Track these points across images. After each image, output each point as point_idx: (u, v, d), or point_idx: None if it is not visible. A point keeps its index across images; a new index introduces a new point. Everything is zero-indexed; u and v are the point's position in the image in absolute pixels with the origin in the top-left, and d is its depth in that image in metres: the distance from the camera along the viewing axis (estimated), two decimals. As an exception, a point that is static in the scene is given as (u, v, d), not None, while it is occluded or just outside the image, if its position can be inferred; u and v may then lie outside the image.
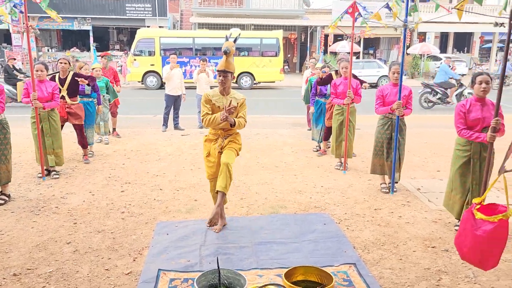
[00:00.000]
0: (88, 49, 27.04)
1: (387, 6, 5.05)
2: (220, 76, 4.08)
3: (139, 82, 19.36)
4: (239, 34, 4.35)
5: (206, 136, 4.34)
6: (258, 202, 5.14)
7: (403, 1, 4.84)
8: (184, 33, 23.10)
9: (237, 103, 4.15)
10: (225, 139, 4.20)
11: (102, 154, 7.37)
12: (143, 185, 5.75)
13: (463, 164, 4.22)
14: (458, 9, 3.68)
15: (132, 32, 24.12)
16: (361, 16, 5.94)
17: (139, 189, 5.56)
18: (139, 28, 21.13)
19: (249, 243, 4.08)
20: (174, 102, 9.55)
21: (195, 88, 9.83)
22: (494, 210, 3.10)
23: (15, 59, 14.05)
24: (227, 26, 24.94)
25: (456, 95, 13.55)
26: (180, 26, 29.36)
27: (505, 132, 4.03)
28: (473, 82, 4.15)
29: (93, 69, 7.74)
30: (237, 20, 26.16)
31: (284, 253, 3.87)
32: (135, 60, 19.18)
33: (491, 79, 4.10)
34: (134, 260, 3.72)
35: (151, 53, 19.50)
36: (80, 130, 6.73)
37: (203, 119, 4.13)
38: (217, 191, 4.09)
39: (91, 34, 26.39)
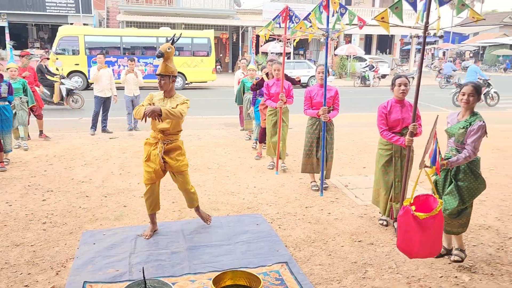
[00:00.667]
0: (4, 47, 25.03)
1: (307, 17, 5.21)
2: (158, 80, 4.01)
3: (62, 82, 18.29)
4: (175, 35, 4.20)
5: (146, 139, 4.18)
6: (191, 205, 5.06)
7: (321, 12, 5.05)
8: (111, 31, 22.18)
9: (176, 105, 4.00)
10: (165, 144, 4.04)
11: (21, 161, 6.85)
12: (67, 192, 5.43)
13: (385, 163, 4.45)
14: (379, 20, 3.87)
15: (54, 30, 22.73)
16: (292, 22, 6.06)
17: (63, 197, 5.24)
18: (61, 25, 19.97)
19: (181, 248, 4.00)
20: (103, 104, 9.14)
21: (123, 89, 9.48)
22: (426, 203, 3.37)
23: (48, 58, 12.78)
24: (156, 25, 24.39)
25: (483, 94, 14.63)
26: (107, 24, 28.21)
27: (422, 132, 4.31)
28: (393, 85, 4.40)
29: (7, 69, 7.21)
30: (167, 19, 25.65)
31: (217, 256, 3.85)
32: (57, 59, 18.07)
33: (409, 81, 4.37)
34: (57, 274, 3.50)
35: (75, 52, 18.52)
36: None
37: (135, 112, 3.96)
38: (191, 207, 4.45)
39: (7, 31, 24.46)
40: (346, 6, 4.98)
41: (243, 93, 8.46)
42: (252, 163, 6.98)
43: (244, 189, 5.67)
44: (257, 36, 27.51)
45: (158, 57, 3.97)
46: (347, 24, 4.77)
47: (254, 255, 3.88)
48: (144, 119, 3.72)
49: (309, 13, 5.16)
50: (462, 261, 3.72)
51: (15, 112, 7.35)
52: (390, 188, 4.44)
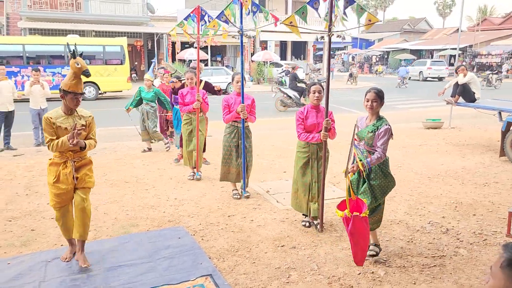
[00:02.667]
0: None
1: (220, 16, 5.20)
2: (78, 99, 3.70)
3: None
4: (74, 48, 3.87)
5: (50, 159, 3.79)
6: (107, 223, 4.79)
7: (233, 11, 5.08)
8: (12, 39, 20.47)
9: (86, 122, 3.76)
10: (75, 162, 3.74)
11: None
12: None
13: (303, 165, 4.61)
14: (287, 24, 3.99)
15: None
16: (205, 22, 6.01)
17: (-42, 226, 4.69)
18: (-49, 33, 18.04)
19: (98, 270, 3.76)
20: (4, 119, 8.37)
21: (29, 102, 8.77)
22: (355, 205, 3.61)
23: (300, 67, 12.12)
24: (64, 32, 22.96)
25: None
26: (7, 31, 26.01)
27: (336, 134, 4.54)
28: (308, 92, 4.59)
29: None
30: (76, 26, 24.26)
31: (136, 275, 3.67)
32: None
33: (323, 88, 4.56)
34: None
35: (-30, 62, 16.81)
36: None
37: (48, 146, 3.62)
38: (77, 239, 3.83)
39: None
40: (258, 4, 5.05)
41: (140, 102, 8.21)
42: (171, 173, 6.81)
43: (164, 202, 5.50)
44: (173, 44, 27.12)
45: (88, 76, 3.81)
46: (265, 21, 4.86)
47: (176, 270, 3.76)
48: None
49: (222, 12, 5.16)
50: (377, 255, 3.94)
51: None
52: (308, 189, 4.59)
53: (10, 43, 18.86)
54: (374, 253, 3.94)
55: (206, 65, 26.45)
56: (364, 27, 3.92)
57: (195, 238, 4.40)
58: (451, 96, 9.73)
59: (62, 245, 4.21)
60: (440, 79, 33.04)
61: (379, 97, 3.83)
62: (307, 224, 4.70)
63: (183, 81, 7.46)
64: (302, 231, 4.61)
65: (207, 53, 27.83)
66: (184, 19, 6.15)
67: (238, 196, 5.61)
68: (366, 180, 3.86)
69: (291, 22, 3.96)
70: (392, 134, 3.83)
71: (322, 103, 4.52)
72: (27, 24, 23.88)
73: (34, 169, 6.97)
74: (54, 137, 3.62)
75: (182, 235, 4.49)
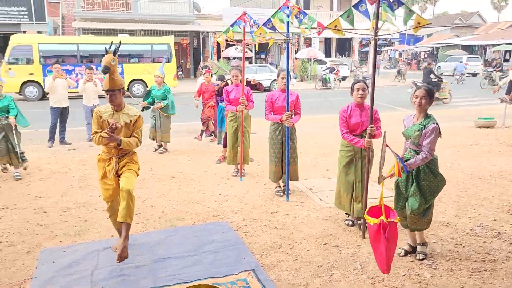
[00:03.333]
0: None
1: (266, 23, 5.23)
2: (109, 96, 3.75)
3: (16, 93, 17.58)
4: (112, 43, 3.95)
5: (99, 155, 3.95)
6: (154, 216, 4.97)
7: (282, 19, 5.08)
8: (67, 39, 21.55)
9: (130, 120, 3.82)
10: (119, 158, 3.84)
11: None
12: (24, 209, 5.20)
13: (346, 164, 4.55)
14: (331, 28, 3.96)
15: (6, 38, 21.80)
16: (250, 26, 6.07)
17: (19, 214, 5.02)
18: (13, 34, 19.20)
19: (146, 261, 3.92)
20: (60, 115, 8.84)
21: (82, 98, 9.22)
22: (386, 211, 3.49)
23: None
24: (114, 32, 23.85)
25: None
26: (62, 31, 27.37)
27: (382, 133, 4.42)
28: (352, 89, 4.50)
29: None
30: (126, 26, 25.16)
31: (183, 267, 3.78)
32: (10, 69, 17.40)
33: (367, 86, 4.48)
34: (14, 296, 3.34)
35: (29, 61, 17.84)
36: None
37: (92, 138, 3.79)
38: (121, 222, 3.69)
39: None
40: (305, 12, 5.04)
41: (153, 102, 8.19)
42: (216, 170, 6.93)
43: (209, 197, 5.62)
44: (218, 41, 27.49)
45: (105, 72, 3.71)
46: (306, 29, 4.84)
47: (221, 264, 3.84)
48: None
49: (269, 19, 5.18)
50: (425, 256, 3.85)
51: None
52: (352, 189, 4.53)
53: (65, 42, 19.85)
54: (423, 256, 3.87)
55: (250, 62, 26.61)
56: (413, 30, 3.80)
57: (239, 234, 4.47)
58: (506, 94, 9.26)
59: (112, 235, 4.41)
60: (475, 75, 31.52)
61: (428, 94, 3.72)
62: (350, 223, 4.66)
63: (226, 81, 7.56)
64: (345, 229, 4.57)
65: (251, 51, 28.02)
66: (230, 25, 6.21)
67: (281, 193, 5.63)
68: (415, 180, 3.77)
69: (335, 26, 3.93)
70: (440, 133, 3.71)
71: (367, 101, 4.43)
72: (81, 24, 25.02)
73: (87, 163, 7.33)
74: (99, 131, 3.75)
75: (226, 230, 4.58)
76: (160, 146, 8.23)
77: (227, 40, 6.48)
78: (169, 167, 7.09)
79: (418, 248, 3.93)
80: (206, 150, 8.42)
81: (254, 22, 6.01)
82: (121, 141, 3.69)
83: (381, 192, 3.58)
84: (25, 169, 6.64)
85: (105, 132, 3.61)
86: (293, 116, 5.47)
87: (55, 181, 6.33)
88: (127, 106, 3.88)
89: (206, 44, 28.94)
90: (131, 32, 24.32)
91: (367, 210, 3.62)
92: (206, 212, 5.11)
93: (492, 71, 23.80)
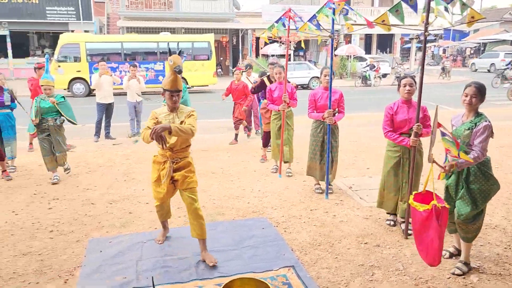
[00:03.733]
0: (6, 56, 25.15)
1: (311, 19, 5.20)
2: (173, 96, 3.68)
3: (65, 89, 18.38)
4: (181, 50, 4.00)
5: (155, 156, 3.90)
6: (196, 210, 5.07)
7: (327, 15, 5.03)
8: (112, 38, 22.27)
9: (184, 118, 3.74)
10: (174, 163, 3.76)
11: (26, 169, 6.89)
12: (73, 200, 5.45)
13: (394, 164, 4.43)
14: (378, 23, 3.88)
15: (55, 37, 22.80)
16: (295, 23, 6.06)
17: (69, 205, 5.26)
18: (62, 33, 20.05)
19: (188, 253, 4.01)
20: (105, 111, 9.18)
21: (126, 95, 9.52)
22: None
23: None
24: (156, 30, 24.43)
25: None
26: (107, 30, 28.29)
27: (430, 132, 4.29)
28: (398, 85, 4.40)
29: (42, 85, 6.16)
30: (167, 24, 25.72)
31: (224, 261, 3.85)
32: (59, 66, 18.19)
33: (415, 82, 4.36)
34: (65, 282, 3.51)
35: (76, 59, 18.59)
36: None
37: (141, 133, 3.79)
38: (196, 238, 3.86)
39: (8, 39, 24.56)
40: (351, 8, 4.96)
41: None
42: (255, 166, 6.99)
43: (249, 193, 5.68)
44: (257, 39, 27.58)
45: (179, 73, 3.70)
46: (353, 25, 4.77)
47: (261, 259, 3.88)
48: (153, 139, 3.44)
49: (314, 15, 5.15)
50: (463, 275, 3.56)
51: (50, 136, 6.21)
52: (398, 190, 4.42)
53: (110, 41, 20.53)
54: (461, 272, 3.57)
55: (288, 60, 26.51)
56: (467, 25, 3.64)
57: (278, 230, 4.49)
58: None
59: (156, 228, 4.55)
60: None
61: (480, 92, 3.51)
62: (392, 223, 4.57)
63: (262, 78, 7.52)
64: (387, 229, 4.49)
65: (290, 48, 27.92)
66: (275, 22, 6.21)
67: (320, 191, 5.61)
68: (465, 184, 3.55)
69: (383, 21, 3.84)
70: (492, 132, 3.52)
71: (414, 98, 4.32)
72: (125, 23, 25.79)
73: (131, 157, 7.57)
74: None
75: (266, 226, 4.62)
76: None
77: (270, 37, 6.48)
78: (209, 162, 7.21)
79: (458, 264, 3.65)
80: (245, 147, 8.50)
81: (300, 19, 5.98)
82: (172, 128, 3.44)
83: (430, 173, 3.37)
84: (65, 170, 6.50)
85: (151, 133, 3.41)
86: (335, 114, 5.42)
87: (101, 174, 6.59)
88: (181, 106, 3.83)
89: (245, 42, 29.09)
90: (172, 30, 24.82)
91: (412, 196, 3.50)
92: (246, 207, 5.17)
93: (506, 68, 22.12)
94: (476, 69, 28.15)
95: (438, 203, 3.25)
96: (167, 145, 3.64)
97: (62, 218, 4.86)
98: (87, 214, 4.97)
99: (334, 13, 4.87)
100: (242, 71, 9.08)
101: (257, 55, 27.37)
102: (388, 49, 35.20)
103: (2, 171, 6.40)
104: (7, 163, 6.60)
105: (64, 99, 6.41)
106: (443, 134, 3.44)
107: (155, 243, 4.21)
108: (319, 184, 5.73)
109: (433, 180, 3.39)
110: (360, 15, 4.79)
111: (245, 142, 8.86)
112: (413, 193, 3.58)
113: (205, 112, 13.62)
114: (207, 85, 20.94)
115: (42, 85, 6.16)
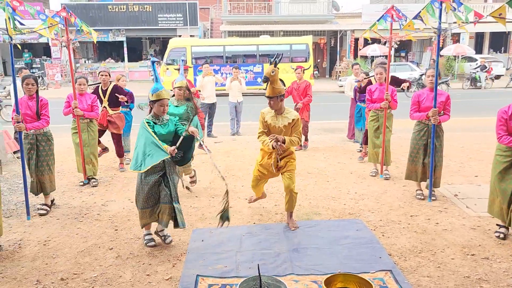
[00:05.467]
0: (122, 60, 27.85)
1: (416, 17, 5.01)
2: (270, 101, 4.34)
3: (171, 90, 19.76)
4: (279, 58, 4.36)
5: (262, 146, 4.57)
6: (292, 208, 5.18)
7: (432, 10, 4.80)
8: (215, 42, 23.48)
9: (288, 123, 4.39)
10: (279, 155, 4.45)
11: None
12: (179, 192, 5.86)
13: (503, 170, 4.13)
14: (495, 16, 3.62)
15: (164, 42, 24.68)
16: (398, 21, 5.88)
17: (175, 196, 5.69)
18: (170, 38, 21.62)
19: (284, 249, 4.12)
20: (208, 110, 9.74)
21: (227, 96, 10.00)
22: None
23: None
24: (256, 33, 25.15)
25: None
26: (211, 34, 29.82)
27: None
28: None
29: (176, 88, 5.80)
30: (266, 27, 26.33)
31: (318, 259, 3.90)
32: (167, 69, 19.65)
33: None
34: (173, 266, 3.84)
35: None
36: (117, 140, 6.98)
37: (258, 136, 4.48)
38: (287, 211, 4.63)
39: (125, 45, 27.20)
40: (461, 2, 4.68)
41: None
42: (352, 168, 6.90)
43: (345, 195, 5.64)
44: (356, 40, 26.98)
45: (265, 82, 4.27)
46: (463, 23, 4.51)
47: (355, 260, 3.86)
48: (273, 148, 4.28)
49: (419, 12, 4.97)
50: None
51: None
52: (508, 197, 4.10)
53: (213, 44, 21.66)
54: None
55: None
56: None
57: (375, 234, 4.41)
58: None
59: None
60: None
61: None
62: (502, 235, 4.22)
63: (369, 78, 7.43)
64: (496, 242, 4.16)
65: (392, 47, 26.83)
66: (377, 20, 6.09)
67: (422, 197, 5.36)
68: None
69: (500, 14, 3.56)
70: None
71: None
72: (227, 27, 26.97)
73: (231, 155, 7.94)
74: (266, 130, 4.45)
75: (361, 228, 4.56)
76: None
77: (372, 37, 6.37)
78: (306, 162, 7.28)
79: None
80: (342, 148, 8.41)
81: (404, 16, 5.78)
82: (285, 140, 4.27)
83: None
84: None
85: (274, 144, 4.24)
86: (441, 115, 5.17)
87: (204, 170, 7.01)
88: (286, 110, 4.43)
89: (343, 43, 28.63)
90: (271, 33, 25.34)
91: None
92: (341, 209, 5.15)
93: None
94: None
95: None
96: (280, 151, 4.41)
97: (170, 207, 5.28)
98: (192, 206, 5.34)
99: (441, 10, 4.64)
100: (304, 69, 8.34)
101: (355, 56, 26.77)
102: (502, 48, 32.04)
103: (119, 164, 7.14)
104: (129, 158, 7.34)
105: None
106: None
107: (252, 236, 4.40)
108: (421, 190, 5.48)
109: None
110: (470, 9, 4.49)
111: (342, 144, 8.76)
112: None
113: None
114: (304, 87, 21.02)
115: (177, 87, 5.75)
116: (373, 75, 7.04)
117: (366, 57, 25.20)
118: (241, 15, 27.81)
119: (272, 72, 4.20)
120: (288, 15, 27.64)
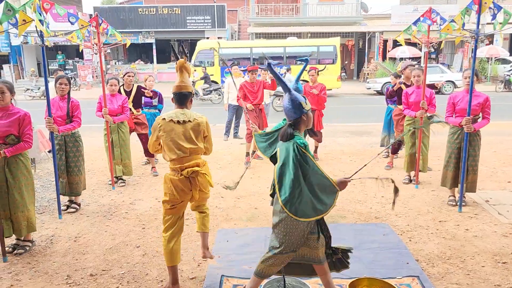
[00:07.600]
0: (152, 61, 28.36)
1: (452, 20, 4.91)
2: None
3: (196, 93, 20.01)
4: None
5: None
6: (317, 211, 5.15)
7: (467, 14, 4.68)
8: (242, 43, 23.60)
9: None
10: None
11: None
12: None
13: None
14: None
15: (192, 44, 24.99)
16: (437, 23, 5.74)
17: (201, 197, 5.76)
18: (199, 40, 21.87)
19: (309, 252, 4.10)
20: (235, 112, 9.78)
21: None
22: None
23: None
24: (283, 35, 25.13)
25: None
26: (238, 36, 30.00)
27: None
28: None
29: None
30: (294, 29, 26.29)
31: (344, 263, 3.86)
32: (195, 70, 19.88)
33: None
34: (198, 266, 3.89)
35: (210, 64, 20.09)
36: (145, 139, 7.10)
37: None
38: None
39: (154, 47, 27.69)
40: (500, 6, 4.54)
41: None
42: (379, 172, 6.80)
43: (371, 198, 5.57)
44: (385, 42, 26.57)
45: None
46: (500, 24, 4.38)
47: (381, 265, 3.81)
48: None
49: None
50: None
51: None
52: None
53: (241, 46, 21.78)
54: None
55: (418, 62, 25.00)
56: None
57: (402, 238, 4.33)
58: None
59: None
60: None
61: None
62: (537, 244, 4.08)
63: (401, 83, 7.15)
64: (531, 250, 4.02)
65: (420, 51, 26.30)
66: (412, 23, 5.93)
67: (454, 203, 5.22)
68: None
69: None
70: None
71: None
72: (255, 29, 27.08)
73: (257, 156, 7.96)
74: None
75: (387, 232, 4.50)
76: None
77: (408, 39, 6.21)
78: (331, 165, 7.23)
79: None
80: (370, 151, 8.30)
81: (441, 19, 5.64)
82: None
83: None
84: None
85: None
86: (478, 120, 5.03)
87: (230, 170, 7.07)
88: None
89: (372, 45, 28.26)
90: (299, 35, 25.27)
91: None
92: (368, 212, 5.08)
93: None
94: None
95: None
96: None
97: (196, 207, 5.35)
98: (218, 207, 5.39)
99: (479, 14, 4.53)
100: (318, 71, 8.14)
101: (383, 58, 26.38)
102: (539, 50, 30.90)
103: (152, 168, 7.17)
104: (156, 159, 7.42)
105: None
106: None
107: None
108: (454, 196, 5.33)
109: None
110: (510, 13, 4.37)
111: (369, 147, 8.65)
112: None
113: (327, 116, 13.62)
114: (331, 89, 20.85)
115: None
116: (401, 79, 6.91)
117: (394, 58, 24.77)
118: (268, 17, 27.85)
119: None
120: (316, 17, 27.49)
